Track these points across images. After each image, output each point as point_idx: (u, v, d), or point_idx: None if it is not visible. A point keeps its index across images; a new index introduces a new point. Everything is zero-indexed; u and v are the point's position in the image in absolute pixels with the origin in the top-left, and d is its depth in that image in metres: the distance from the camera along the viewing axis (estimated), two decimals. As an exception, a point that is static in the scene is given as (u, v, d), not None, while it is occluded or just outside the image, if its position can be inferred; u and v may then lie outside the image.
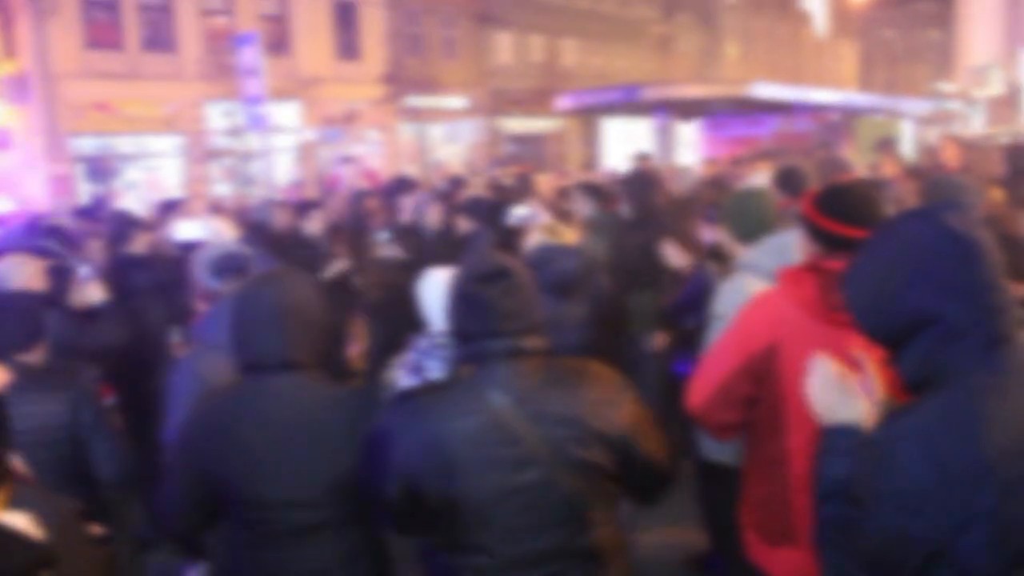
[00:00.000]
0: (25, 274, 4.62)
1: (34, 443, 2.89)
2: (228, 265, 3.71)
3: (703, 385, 2.64)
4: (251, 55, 11.72)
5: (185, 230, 4.64)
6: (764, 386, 2.52)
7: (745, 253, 3.57)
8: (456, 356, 2.39)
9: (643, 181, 6.48)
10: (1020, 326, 1.69)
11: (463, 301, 2.28)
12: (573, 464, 2.20)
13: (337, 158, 15.42)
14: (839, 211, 2.48)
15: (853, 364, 1.95)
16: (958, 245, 1.67)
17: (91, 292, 4.46)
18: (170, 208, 7.81)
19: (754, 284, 3.17)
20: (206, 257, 3.80)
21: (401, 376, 3.27)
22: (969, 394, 1.61)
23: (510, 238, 5.01)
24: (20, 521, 1.64)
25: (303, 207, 6.90)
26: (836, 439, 1.85)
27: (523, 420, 2.19)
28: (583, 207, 6.17)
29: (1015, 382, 1.62)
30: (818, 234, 2.51)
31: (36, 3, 19.43)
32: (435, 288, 3.33)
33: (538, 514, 2.20)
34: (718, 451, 3.65)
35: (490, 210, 5.63)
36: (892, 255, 1.74)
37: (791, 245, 2.89)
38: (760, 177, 6.38)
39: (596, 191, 6.41)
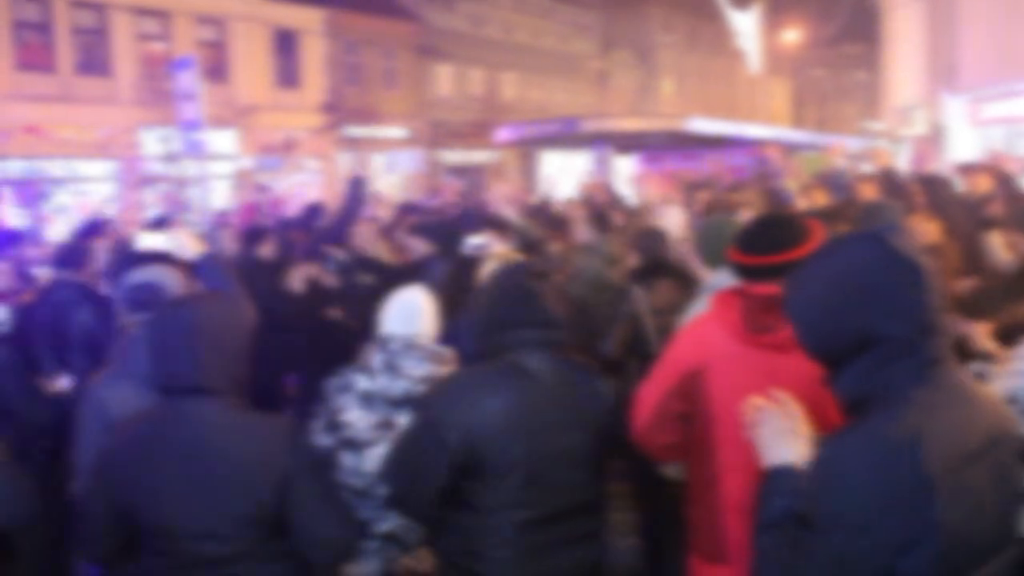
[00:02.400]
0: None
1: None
2: (137, 297, 3.52)
3: (642, 409, 2.70)
4: (188, 80, 11.59)
5: (148, 241, 4.47)
6: (695, 405, 2.59)
7: (711, 276, 3.68)
8: (489, 346, 2.67)
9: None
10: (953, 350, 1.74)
11: (514, 294, 2.64)
12: (597, 431, 2.65)
13: (254, 186, 15.14)
14: (746, 245, 2.59)
15: (779, 403, 1.98)
16: (901, 268, 1.70)
17: None
18: (92, 232, 7.45)
19: None
20: (122, 286, 3.65)
21: (361, 380, 3.30)
22: (909, 413, 1.64)
23: (465, 267, 5.02)
24: None
25: (255, 233, 6.80)
26: (778, 480, 1.87)
27: (569, 392, 2.61)
28: (583, 232, 6.23)
29: (948, 403, 1.67)
30: (736, 269, 2.63)
31: (-35, 24, 19.00)
32: (412, 302, 3.47)
33: (573, 472, 2.60)
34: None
35: (447, 237, 5.62)
36: (837, 275, 1.76)
37: None
38: (674, 212, 6.52)
39: (602, 219, 6.47)
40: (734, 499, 2.52)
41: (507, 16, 36.51)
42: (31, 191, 20.11)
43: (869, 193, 7.30)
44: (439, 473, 2.51)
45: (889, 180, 7.97)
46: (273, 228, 7.61)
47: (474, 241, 5.43)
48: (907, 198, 7.07)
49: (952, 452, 1.60)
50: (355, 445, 3.20)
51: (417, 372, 3.23)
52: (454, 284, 4.90)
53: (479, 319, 2.75)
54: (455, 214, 8.99)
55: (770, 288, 2.47)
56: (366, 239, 6.57)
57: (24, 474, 2.99)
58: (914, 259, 1.71)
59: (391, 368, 3.27)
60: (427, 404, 2.66)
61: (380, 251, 6.64)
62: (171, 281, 3.59)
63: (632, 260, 4.86)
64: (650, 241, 4.73)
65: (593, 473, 2.67)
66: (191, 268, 3.79)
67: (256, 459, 2.42)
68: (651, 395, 2.68)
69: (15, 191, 20.11)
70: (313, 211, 8.43)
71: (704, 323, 2.66)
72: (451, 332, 4.08)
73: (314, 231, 7.36)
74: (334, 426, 3.31)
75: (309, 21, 27.28)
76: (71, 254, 5.31)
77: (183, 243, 3.76)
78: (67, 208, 20.83)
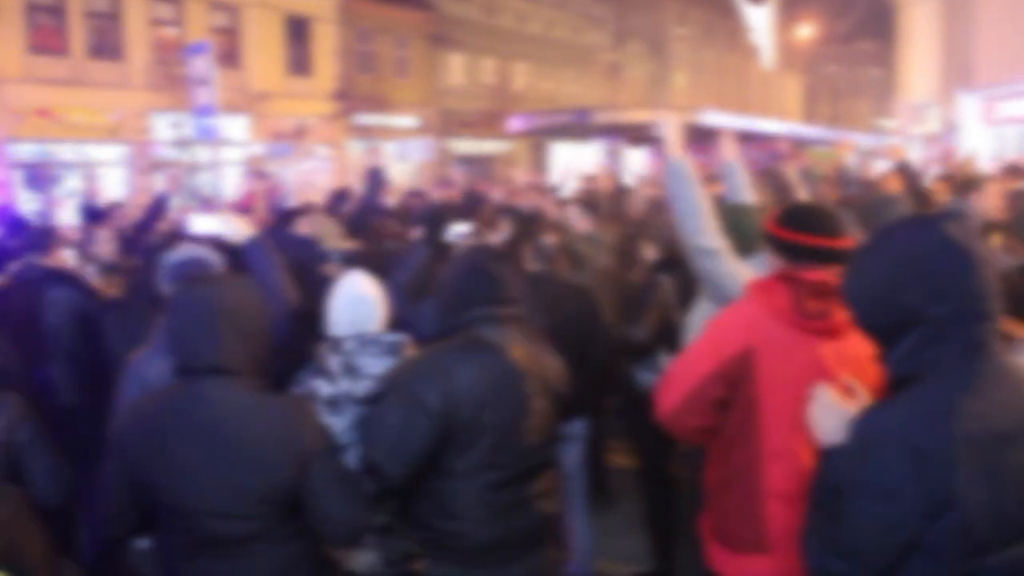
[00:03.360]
0: None
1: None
2: (184, 272, 3.52)
3: (674, 391, 2.63)
4: (203, 65, 11.59)
5: (201, 224, 4.48)
6: (738, 391, 2.53)
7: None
8: (452, 321, 2.84)
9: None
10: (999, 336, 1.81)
11: (476, 273, 2.83)
12: (552, 395, 2.86)
13: (250, 171, 14.97)
14: (803, 224, 2.57)
15: (845, 389, 2.03)
16: (952, 253, 1.78)
17: None
18: (98, 217, 7.30)
19: None
20: (166, 261, 3.67)
21: (324, 386, 3.26)
22: (944, 390, 1.72)
23: (443, 253, 5.02)
24: None
25: (289, 214, 6.73)
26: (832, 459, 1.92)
27: (530, 362, 2.80)
28: (580, 223, 6.20)
29: (988, 385, 1.74)
30: (783, 247, 2.59)
31: (-22, 5, 19.01)
32: (358, 291, 3.45)
33: (536, 434, 2.79)
34: None
35: (432, 225, 5.60)
36: (891, 256, 1.85)
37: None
38: None
39: (594, 208, 6.44)
40: (777, 486, 2.49)
41: (520, 6, 36.43)
42: (42, 175, 20.13)
43: (894, 187, 7.25)
44: (424, 446, 2.66)
45: (907, 176, 7.92)
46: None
47: (457, 228, 5.42)
48: (925, 194, 7.04)
49: (985, 430, 1.69)
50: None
51: (376, 370, 3.23)
52: (429, 270, 4.90)
53: (444, 298, 2.91)
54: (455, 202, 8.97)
55: (821, 274, 2.48)
56: (317, 227, 6.47)
57: (60, 453, 3.02)
58: (966, 246, 1.79)
59: (350, 370, 3.28)
60: (400, 381, 2.75)
61: (334, 238, 6.50)
62: (213, 257, 3.65)
63: (649, 252, 4.83)
64: (667, 234, 4.68)
65: (549, 435, 2.91)
66: (238, 251, 3.78)
67: (274, 439, 2.43)
68: (686, 379, 2.61)
69: (26, 174, 20.13)
70: (339, 197, 8.41)
71: (745, 308, 2.60)
72: (412, 316, 4.08)
73: (338, 218, 7.32)
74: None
75: (322, 8, 27.26)
76: (39, 237, 5.26)
77: (233, 226, 3.75)
78: (77, 192, 20.83)
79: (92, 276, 5.65)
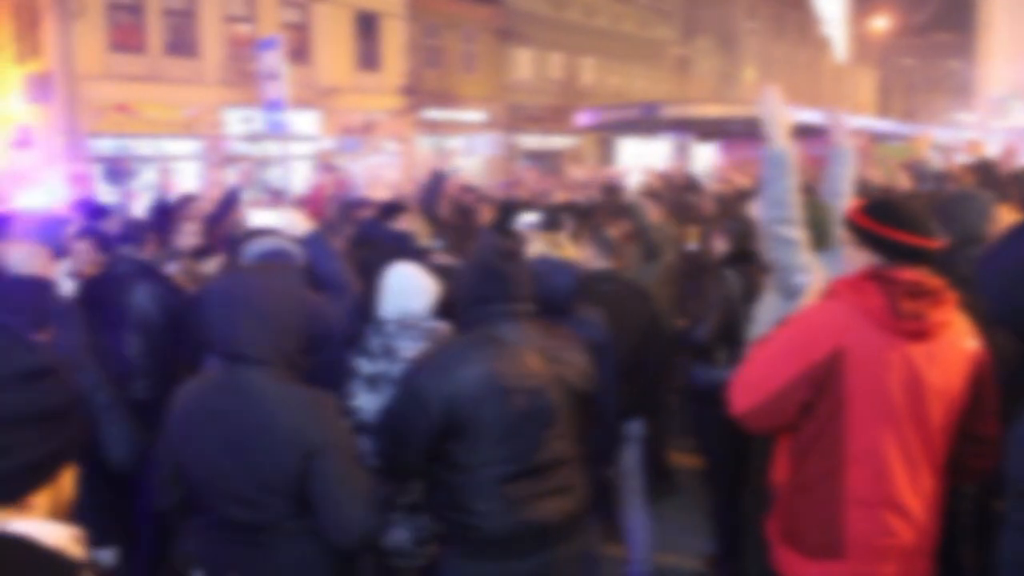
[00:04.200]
0: (34, 262, 4.52)
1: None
2: (265, 262, 3.66)
3: (755, 391, 2.52)
4: (273, 59, 11.76)
5: (259, 218, 4.61)
6: (823, 393, 2.43)
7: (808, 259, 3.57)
8: (469, 318, 2.88)
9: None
10: None
11: (486, 272, 2.84)
12: (569, 391, 2.86)
13: (320, 165, 15.07)
14: (899, 220, 2.46)
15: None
16: None
17: None
18: (165, 213, 7.08)
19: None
20: (249, 251, 3.81)
21: (364, 364, 3.41)
22: None
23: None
24: (59, 533, 1.36)
25: (390, 208, 6.83)
26: None
27: (537, 359, 2.80)
28: (651, 211, 6.19)
29: None
30: (878, 242, 2.48)
31: (62, 4, 19.57)
32: (406, 278, 3.58)
33: (547, 430, 2.80)
34: None
35: (502, 214, 5.62)
36: None
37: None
38: None
39: (660, 198, 6.42)
40: (858, 491, 2.42)
41: (588, 0, 36.24)
42: (119, 168, 20.66)
43: (966, 183, 7.07)
44: (421, 438, 2.74)
45: (985, 171, 7.68)
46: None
47: (527, 218, 5.44)
48: (1001, 189, 6.82)
49: None
50: (368, 428, 3.27)
51: (412, 353, 3.34)
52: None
53: (461, 296, 2.95)
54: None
55: (916, 274, 2.40)
56: (413, 224, 6.51)
57: (131, 416, 3.14)
58: None
59: (388, 351, 3.40)
60: (410, 377, 2.83)
61: (423, 237, 6.53)
62: (294, 248, 3.79)
63: (720, 246, 4.76)
64: (741, 228, 4.61)
65: (567, 430, 2.90)
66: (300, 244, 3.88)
67: (281, 430, 2.45)
68: (769, 379, 2.48)
69: (105, 168, 20.69)
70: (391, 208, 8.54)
71: (833, 307, 2.48)
72: None
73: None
74: (345, 412, 3.38)
75: (390, 4, 27.47)
76: (135, 231, 5.35)
77: (293, 221, 3.84)
78: (152, 186, 21.31)
79: (170, 268, 5.77)
